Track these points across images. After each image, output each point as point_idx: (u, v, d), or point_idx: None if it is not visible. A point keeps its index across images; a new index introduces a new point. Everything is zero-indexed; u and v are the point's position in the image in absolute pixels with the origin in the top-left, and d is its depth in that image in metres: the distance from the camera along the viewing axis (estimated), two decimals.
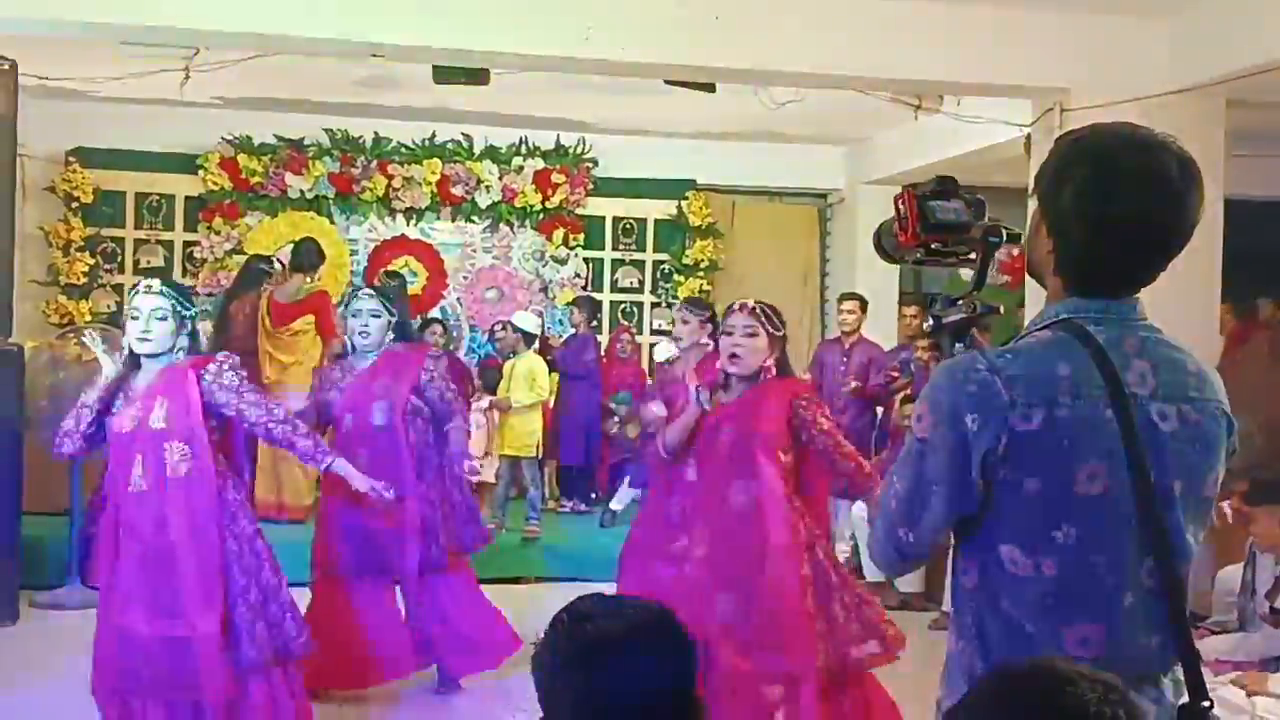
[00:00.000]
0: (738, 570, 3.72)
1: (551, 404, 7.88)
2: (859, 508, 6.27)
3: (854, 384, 7.07)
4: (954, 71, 5.76)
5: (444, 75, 6.24)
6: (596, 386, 7.98)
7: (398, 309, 4.90)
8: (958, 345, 1.88)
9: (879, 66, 5.69)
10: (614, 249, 9.52)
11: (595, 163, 9.29)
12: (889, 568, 1.89)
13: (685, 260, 9.47)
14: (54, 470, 5.87)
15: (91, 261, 8.60)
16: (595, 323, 8.64)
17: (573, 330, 8.36)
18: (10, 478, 5.87)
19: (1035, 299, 1.56)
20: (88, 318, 8.28)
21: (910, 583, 6.48)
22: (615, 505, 7.42)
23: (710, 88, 6.40)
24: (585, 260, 9.39)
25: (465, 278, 9.28)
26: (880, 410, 7.20)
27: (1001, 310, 1.94)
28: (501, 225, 9.26)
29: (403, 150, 9.01)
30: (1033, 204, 1.81)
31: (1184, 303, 4.44)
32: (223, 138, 8.77)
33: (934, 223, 1.89)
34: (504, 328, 8.02)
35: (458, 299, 9.28)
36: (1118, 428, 1.65)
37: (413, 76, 6.87)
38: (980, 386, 1.67)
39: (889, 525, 1.79)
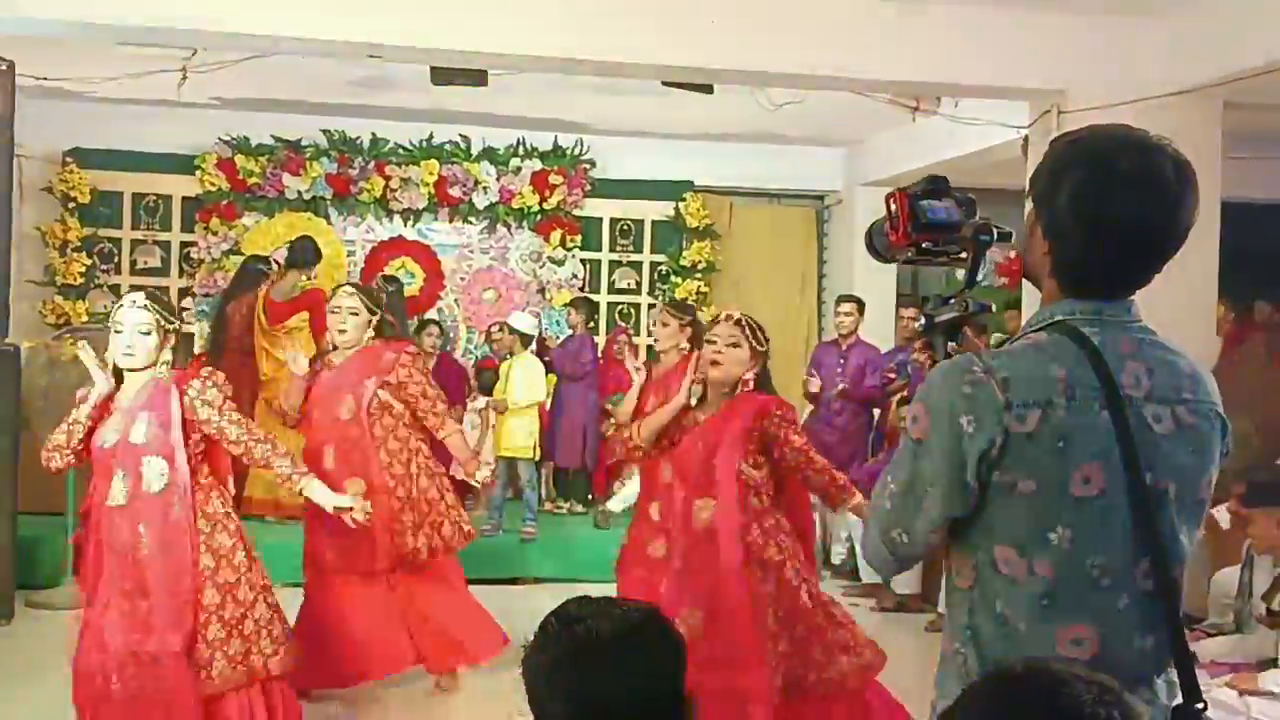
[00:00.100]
0: (700, 586, 3.75)
1: (548, 405, 7.87)
2: None
3: (841, 386, 7.07)
4: (951, 73, 5.75)
5: (441, 76, 6.22)
6: (593, 388, 7.97)
7: (395, 313, 4.90)
8: (950, 344, 1.88)
9: (877, 68, 5.68)
10: (611, 250, 9.50)
11: (593, 164, 9.27)
12: (883, 568, 1.89)
13: (683, 261, 9.45)
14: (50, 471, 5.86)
15: (88, 262, 8.58)
16: (592, 324, 8.64)
17: (570, 331, 8.34)
18: (6, 478, 5.86)
19: (1032, 301, 1.56)
20: (84, 318, 8.28)
21: (907, 584, 6.48)
22: (615, 506, 7.41)
23: (708, 89, 6.39)
24: (582, 261, 9.36)
25: (462, 279, 9.25)
26: (877, 412, 7.20)
27: (993, 308, 1.94)
28: (499, 226, 9.24)
29: (400, 151, 8.98)
30: (1029, 206, 1.81)
31: (1181, 304, 4.43)
32: (220, 138, 8.75)
33: (924, 222, 1.89)
34: (501, 329, 8.02)
35: (455, 300, 9.27)
36: (1113, 429, 1.66)
37: (410, 77, 6.86)
38: (976, 388, 1.67)
39: (883, 526, 1.79)
